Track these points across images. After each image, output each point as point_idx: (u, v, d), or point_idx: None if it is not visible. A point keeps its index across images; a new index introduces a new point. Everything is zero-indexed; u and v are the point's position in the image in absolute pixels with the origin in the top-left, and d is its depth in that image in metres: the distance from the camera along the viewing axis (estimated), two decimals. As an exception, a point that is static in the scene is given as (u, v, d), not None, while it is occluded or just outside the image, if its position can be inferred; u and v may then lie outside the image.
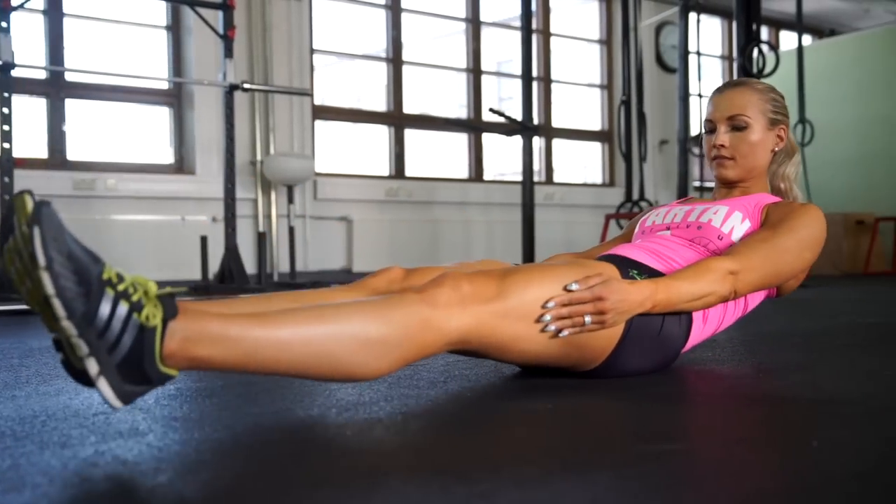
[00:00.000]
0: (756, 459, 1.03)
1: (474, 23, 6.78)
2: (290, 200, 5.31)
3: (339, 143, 6.49)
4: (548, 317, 1.39)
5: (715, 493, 0.89)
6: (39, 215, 1.01)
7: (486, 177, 6.86)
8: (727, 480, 0.94)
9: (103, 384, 1.04)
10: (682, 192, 6.29)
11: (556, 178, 7.21)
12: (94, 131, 5.30)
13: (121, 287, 1.07)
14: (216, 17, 4.49)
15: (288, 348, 1.16)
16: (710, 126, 1.80)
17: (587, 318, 1.41)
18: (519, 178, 5.31)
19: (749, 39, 5.25)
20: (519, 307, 1.38)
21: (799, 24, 6.80)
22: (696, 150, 6.80)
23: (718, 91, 1.82)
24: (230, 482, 0.92)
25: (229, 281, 4.42)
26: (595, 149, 7.59)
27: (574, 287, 1.41)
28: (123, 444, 1.09)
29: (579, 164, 8.01)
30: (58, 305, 1.01)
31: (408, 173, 6.36)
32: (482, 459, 1.04)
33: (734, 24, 5.46)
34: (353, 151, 6.86)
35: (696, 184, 7.13)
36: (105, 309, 1.05)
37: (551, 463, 1.01)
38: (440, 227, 6.19)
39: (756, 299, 1.75)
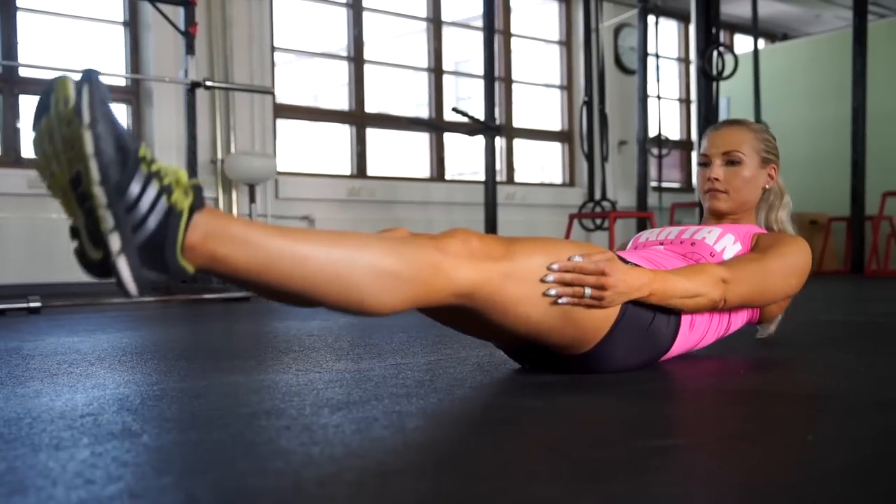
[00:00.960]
0: (757, 454, 1.04)
1: (435, 22, 6.78)
2: (252, 200, 5.25)
3: (301, 142, 6.45)
4: (550, 278, 1.41)
5: (727, 487, 0.90)
6: (90, 77, 1.03)
7: (447, 176, 6.86)
8: (735, 474, 0.95)
9: (122, 264, 1.03)
10: (642, 193, 6.38)
11: (517, 177, 7.25)
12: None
13: (154, 167, 1.07)
14: (176, 13, 4.42)
15: (305, 264, 1.16)
16: (705, 160, 1.90)
17: (587, 291, 1.43)
18: (477, 177, 5.33)
19: (708, 42, 5.33)
20: (524, 270, 1.39)
21: (754, 28, 6.93)
22: (654, 151, 6.89)
23: (714, 128, 1.93)
24: (239, 482, 0.90)
25: (192, 281, 4.35)
26: (554, 149, 7.64)
27: (578, 259, 1.43)
28: (119, 446, 1.07)
29: (537, 164, 8.06)
30: (94, 168, 1.01)
31: (370, 172, 6.34)
32: (488, 456, 1.04)
33: (691, 27, 5.54)
34: (314, 150, 6.81)
35: (654, 184, 7.22)
36: (136, 185, 1.04)
37: (558, 459, 1.01)
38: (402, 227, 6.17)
39: (738, 322, 1.80)
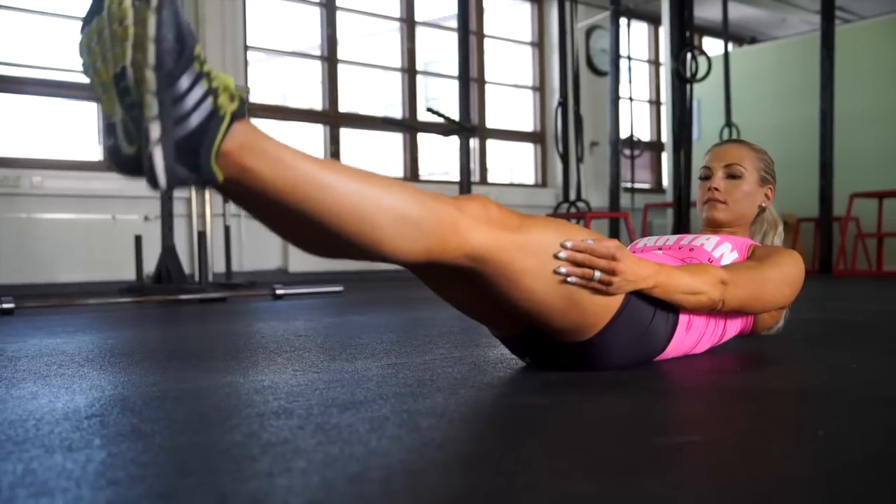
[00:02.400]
0: (774, 449, 1.06)
1: (409, 22, 6.77)
2: (226, 199, 5.19)
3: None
4: (563, 254, 1.42)
5: (753, 480, 0.90)
6: None
7: (420, 176, 6.85)
8: (757, 468, 0.96)
9: (157, 154, 1.02)
10: (614, 193, 6.42)
11: (490, 178, 7.26)
12: (18, 126, 5.10)
13: (206, 68, 1.07)
14: (152, 11, 4.36)
15: (329, 192, 1.17)
16: (707, 173, 1.95)
17: (596, 274, 1.44)
18: (448, 177, 5.34)
19: (682, 45, 5.38)
20: (536, 244, 1.41)
21: (725, 31, 7.01)
22: (626, 152, 6.95)
23: (717, 145, 1.99)
24: (266, 481, 0.89)
25: (167, 281, 4.30)
26: (525, 150, 7.66)
27: (590, 242, 1.45)
28: (133, 447, 1.05)
29: (507, 164, 8.08)
30: (151, 51, 1.01)
31: (343, 173, 6.30)
32: (508, 454, 1.03)
33: (661, 30, 5.59)
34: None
35: (627, 185, 7.27)
36: (187, 80, 1.04)
37: (581, 457, 1.01)
38: (376, 227, 6.15)
39: (731, 332, 1.83)
